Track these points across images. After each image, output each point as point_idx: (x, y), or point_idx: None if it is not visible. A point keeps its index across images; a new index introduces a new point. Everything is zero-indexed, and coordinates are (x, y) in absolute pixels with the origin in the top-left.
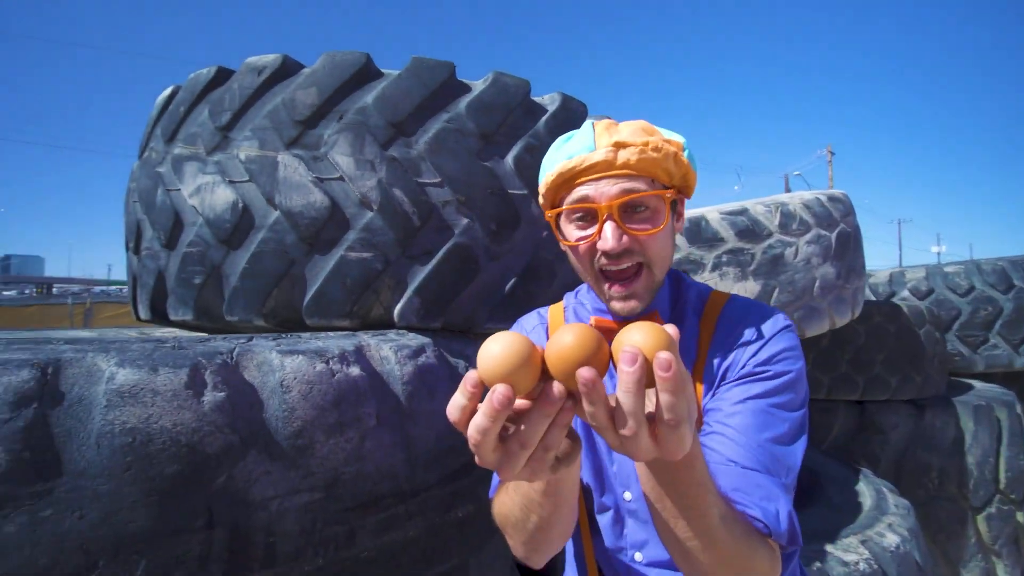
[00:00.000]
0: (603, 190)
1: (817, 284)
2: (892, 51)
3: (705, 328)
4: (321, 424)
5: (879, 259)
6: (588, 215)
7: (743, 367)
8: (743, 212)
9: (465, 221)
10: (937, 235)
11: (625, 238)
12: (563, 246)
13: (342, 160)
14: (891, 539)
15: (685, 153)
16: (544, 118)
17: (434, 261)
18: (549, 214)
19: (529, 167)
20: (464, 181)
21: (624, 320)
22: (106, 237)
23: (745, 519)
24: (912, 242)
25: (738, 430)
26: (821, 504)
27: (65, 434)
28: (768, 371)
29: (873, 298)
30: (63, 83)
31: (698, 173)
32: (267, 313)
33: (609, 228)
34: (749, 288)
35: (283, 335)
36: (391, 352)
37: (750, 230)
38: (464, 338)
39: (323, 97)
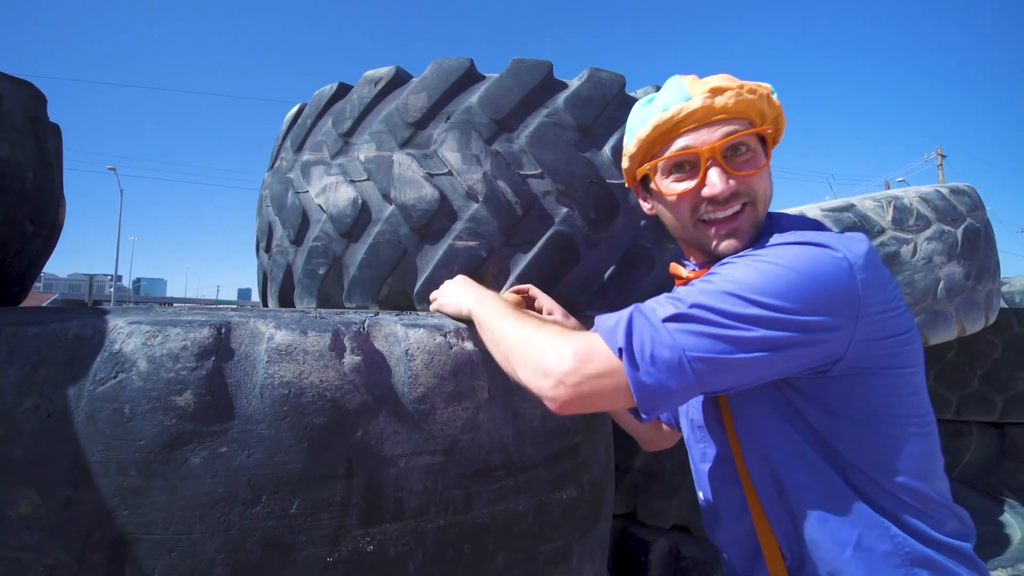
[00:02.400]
0: (703, 137)
1: (941, 285)
2: (1010, 40)
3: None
4: (441, 392)
5: (1008, 272)
6: (688, 165)
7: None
8: (849, 208)
9: (565, 210)
10: None
11: (732, 181)
12: (655, 206)
13: (450, 156)
14: None
15: (775, 95)
16: None
17: (535, 249)
18: (642, 169)
19: None
20: (564, 171)
21: (695, 267)
22: (216, 262)
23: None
24: None
25: None
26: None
27: (236, 384)
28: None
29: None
30: (179, 124)
31: (785, 183)
32: (382, 299)
33: (715, 173)
34: None
35: (403, 312)
36: None
37: (858, 227)
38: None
39: (432, 100)
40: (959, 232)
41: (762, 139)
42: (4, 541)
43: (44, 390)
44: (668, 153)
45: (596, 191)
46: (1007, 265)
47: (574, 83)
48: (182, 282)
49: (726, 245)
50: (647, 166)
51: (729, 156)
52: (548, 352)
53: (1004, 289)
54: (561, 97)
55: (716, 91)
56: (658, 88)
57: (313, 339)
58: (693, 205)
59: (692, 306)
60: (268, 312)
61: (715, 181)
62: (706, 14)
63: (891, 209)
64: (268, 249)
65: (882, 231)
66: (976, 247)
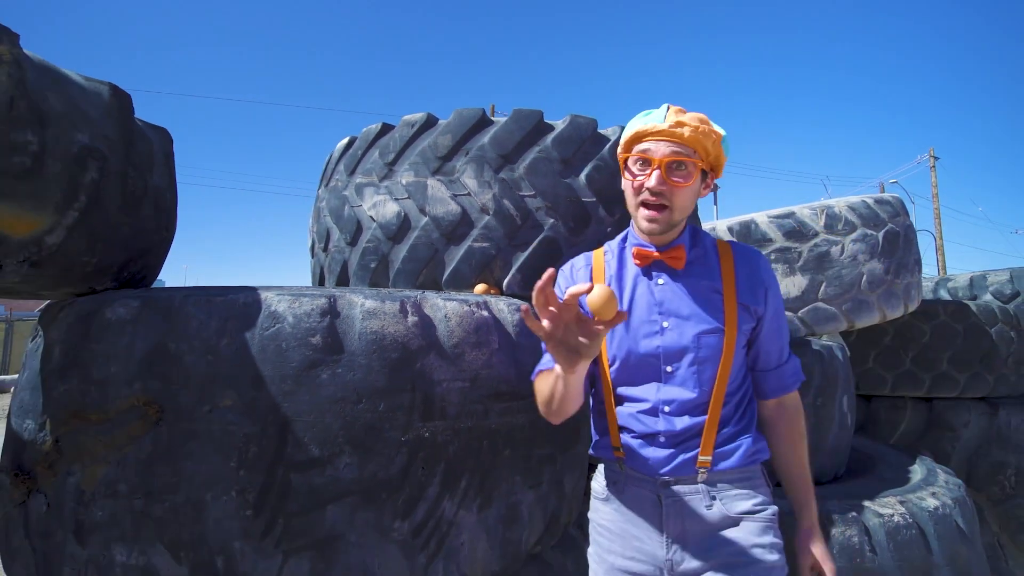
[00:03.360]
0: (660, 148)
1: (864, 279)
2: (1003, 42)
3: (724, 255)
4: (467, 341)
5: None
6: (646, 163)
7: (773, 302)
8: (790, 215)
9: (551, 221)
10: None
11: (664, 185)
12: (623, 184)
13: (469, 182)
14: (931, 502)
15: (724, 144)
16: (608, 145)
17: (530, 249)
18: (621, 156)
19: (597, 182)
20: (550, 193)
21: (647, 246)
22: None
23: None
24: None
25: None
26: (870, 478)
27: (343, 332)
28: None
29: (945, 297)
30: (186, 126)
31: (781, 183)
32: (418, 286)
33: (655, 174)
34: (797, 282)
35: (440, 292)
36: (504, 306)
37: (797, 231)
38: None
39: (455, 140)
40: (880, 235)
41: (705, 171)
42: (219, 419)
43: (231, 333)
44: (636, 150)
45: (574, 207)
46: (999, 264)
47: (558, 126)
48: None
49: (647, 226)
50: (626, 154)
51: (671, 168)
52: None
53: (949, 285)
54: (549, 137)
55: (679, 124)
56: (622, 128)
57: (389, 305)
58: (639, 191)
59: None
60: (357, 289)
61: (653, 179)
62: (705, 21)
63: (824, 216)
64: (326, 249)
65: (816, 234)
66: (896, 247)
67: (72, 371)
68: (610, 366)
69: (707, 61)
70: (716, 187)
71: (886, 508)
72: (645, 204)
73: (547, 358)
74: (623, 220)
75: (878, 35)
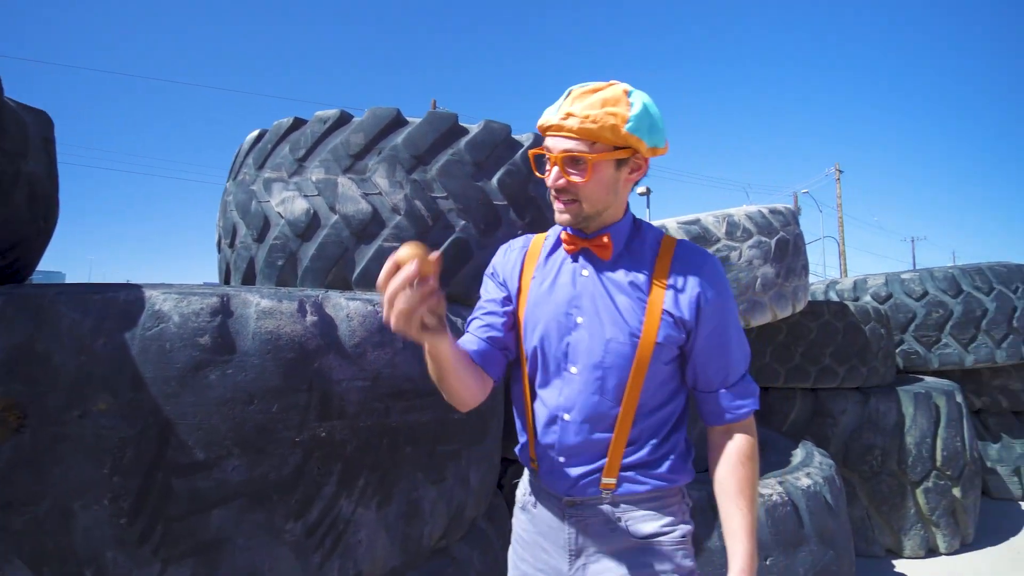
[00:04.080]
0: (556, 144)
1: (758, 282)
2: (901, 68)
3: (663, 256)
4: (370, 341)
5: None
6: (549, 159)
7: (716, 313)
8: (696, 222)
9: (463, 222)
10: (952, 253)
11: (562, 180)
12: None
13: (380, 181)
14: (805, 481)
15: (629, 126)
16: (520, 151)
17: (441, 249)
18: (532, 152)
19: (509, 186)
20: (462, 195)
21: (578, 234)
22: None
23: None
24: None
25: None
26: (766, 472)
27: (236, 331)
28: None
29: (834, 298)
30: (74, 102)
31: (707, 189)
32: (327, 285)
33: (554, 171)
34: None
35: (346, 291)
36: None
37: (701, 237)
38: (462, 304)
39: (368, 138)
40: (773, 242)
41: (626, 159)
42: (91, 423)
43: (108, 333)
44: (542, 146)
45: (485, 210)
46: (892, 268)
47: (472, 130)
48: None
49: (559, 218)
50: (533, 151)
51: (569, 163)
52: None
53: (837, 287)
54: (463, 141)
55: (568, 115)
56: (537, 137)
57: (286, 305)
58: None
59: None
60: (253, 288)
61: (551, 176)
62: (639, 29)
63: (725, 224)
64: (232, 245)
65: (718, 240)
66: (786, 253)
67: None
68: (527, 359)
69: (642, 67)
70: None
71: (766, 489)
72: (556, 198)
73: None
74: (533, 223)
75: (794, 56)
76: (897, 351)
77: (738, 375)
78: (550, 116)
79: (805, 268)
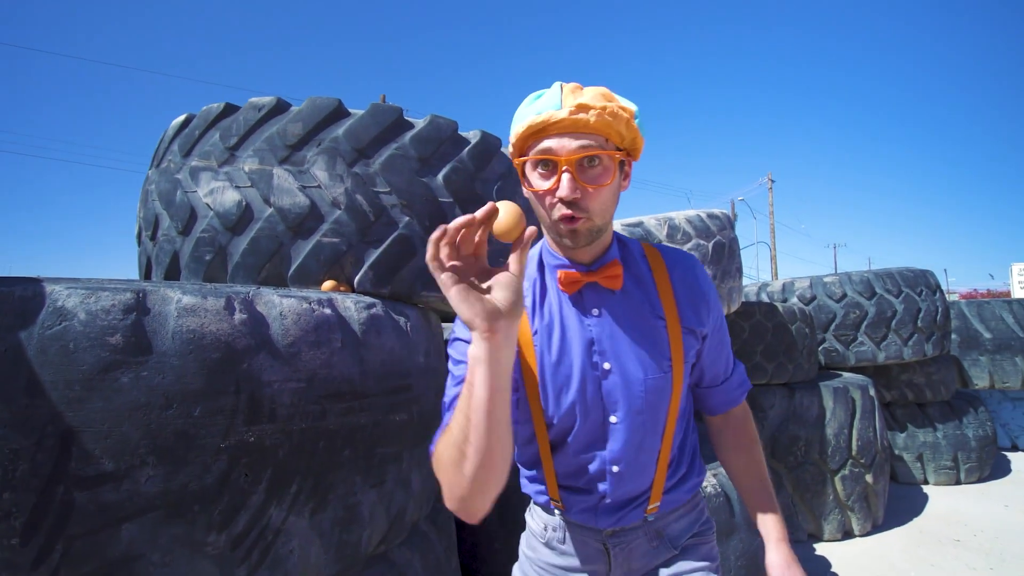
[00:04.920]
0: (565, 144)
1: None
2: (827, 85)
3: (657, 268)
4: (305, 340)
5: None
6: (550, 165)
7: (716, 316)
8: (639, 224)
9: (407, 219)
10: (868, 260)
11: (579, 191)
12: (527, 193)
13: (320, 174)
14: None
15: (636, 120)
16: (467, 148)
17: (383, 246)
18: (517, 162)
19: (455, 183)
20: (406, 191)
21: (586, 268)
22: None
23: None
24: (847, 265)
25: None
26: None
27: (153, 330)
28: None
29: (765, 300)
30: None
31: (653, 194)
32: (261, 281)
33: (566, 179)
34: None
35: (280, 288)
36: (352, 303)
37: (643, 239)
38: (405, 303)
39: (306, 129)
40: (710, 245)
41: (622, 160)
42: None
43: (1, 332)
44: (535, 152)
45: (430, 206)
46: (818, 272)
47: (418, 124)
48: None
49: (570, 243)
50: (520, 160)
51: (584, 167)
52: None
53: (768, 289)
54: (408, 135)
55: (582, 107)
56: (484, 134)
57: (211, 302)
58: (550, 202)
59: None
60: (174, 283)
61: (565, 186)
62: (597, 32)
63: (666, 227)
64: (154, 238)
65: (660, 242)
66: (722, 256)
67: None
68: (548, 419)
69: (585, 72)
70: None
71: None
72: (562, 218)
73: (448, 417)
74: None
75: (735, 69)
76: (820, 349)
77: (733, 362)
78: (550, 110)
79: (739, 270)
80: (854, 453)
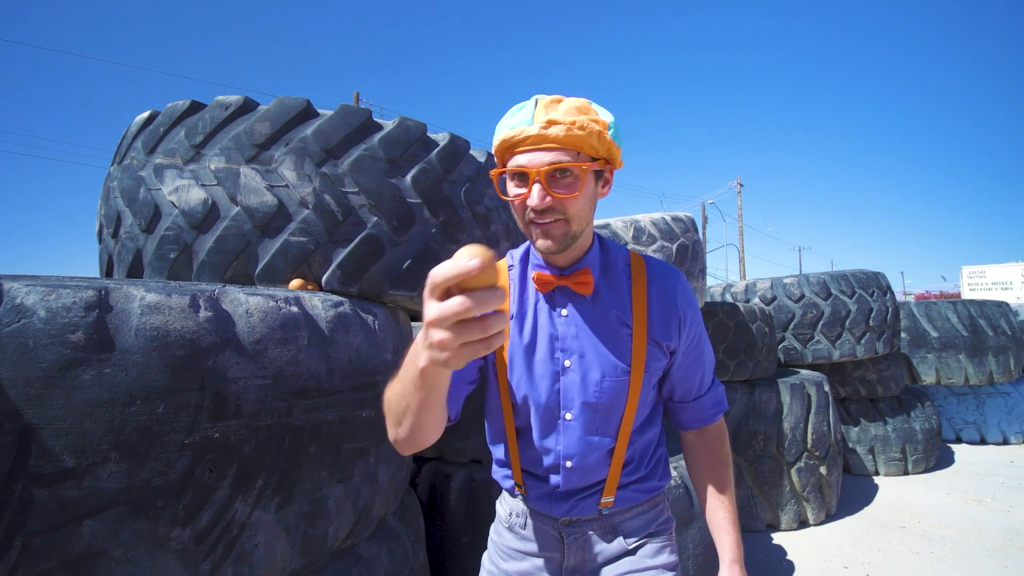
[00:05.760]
0: (535, 159)
1: None
2: (795, 92)
3: (637, 278)
4: (272, 338)
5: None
6: (525, 176)
7: (691, 329)
8: (607, 227)
9: (375, 219)
10: (831, 261)
11: (548, 198)
12: (504, 199)
13: (288, 173)
14: None
15: (610, 132)
16: (436, 150)
17: (351, 245)
18: (493, 172)
19: (423, 184)
20: (375, 191)
21: (559, 272)
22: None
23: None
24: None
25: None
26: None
27: (115, 328)
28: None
29: (729, 300)
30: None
31: (628, 195)
32: (227, 280)
33: (536, 189)
34: None
35: (247, 286)
36: (319, 301)
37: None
38: (373, 301)
39: (275, 128)
40: (674, 247)
41: (599, 169)
42: None
43: None
44: (510, 165)
45: (399, 206)
46: (782, 274)
47: (387, 126)
48: None
49: (541, 244)
50: (497, 172)
51: (555, 178)
52: None
53: (732, 290)
54: (376, 136)
55: (551, 123)
56: (453, 136)
57: (176, 299)
58: (523, 209)
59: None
60: (137, 281)
61: (534, 196)
62: (576, 33)
63: (632, 229)
64: (116, 235)
65: (626, 244)
66: (685, 257)
67: None
68: (513, 404)
69: (563, 77)
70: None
71: None
72: (533, 223)
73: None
74: (447, 223)
75: (706, 76)
76: (780, 347)
77: (710, 382)
78: (522, 126)
79: (703, 271)
80: (809, 446)
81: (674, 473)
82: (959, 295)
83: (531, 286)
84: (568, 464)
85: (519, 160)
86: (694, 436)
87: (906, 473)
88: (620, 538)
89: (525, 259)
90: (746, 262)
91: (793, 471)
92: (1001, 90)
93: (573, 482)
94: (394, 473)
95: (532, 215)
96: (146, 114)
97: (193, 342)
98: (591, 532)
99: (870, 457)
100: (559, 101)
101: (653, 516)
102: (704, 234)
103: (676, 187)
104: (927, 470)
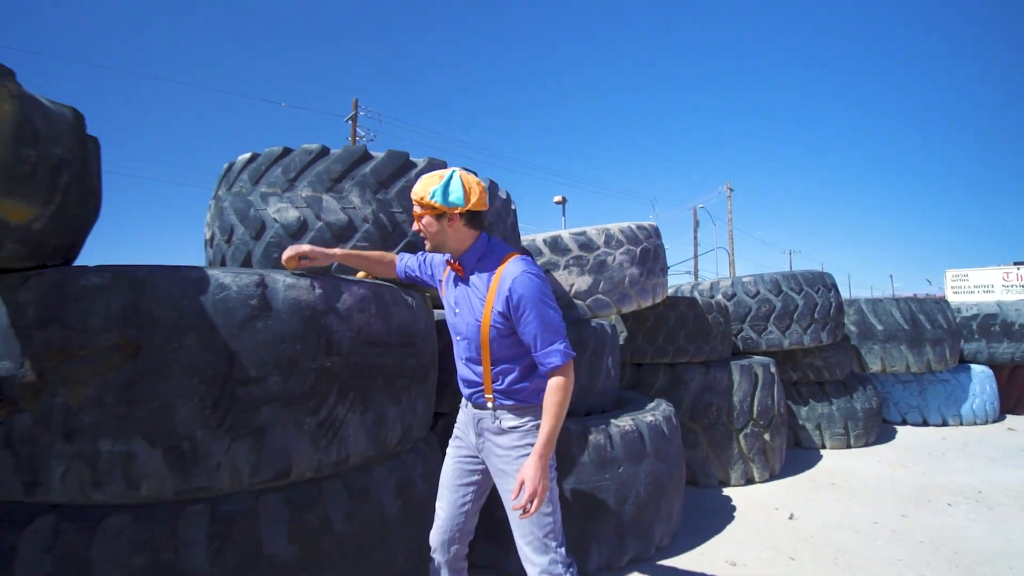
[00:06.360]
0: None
1: (627, 280)
2: (785, 98)
3: (497, 272)
4: (355, 308)
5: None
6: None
7: (518, 308)
8: (583, 233)
9: (412, 230)
10: (821, 265)
11: (417, 228)
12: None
13: (354, 199)
14: (649, 418)
15: (431, 197)
16: None
17: (397, 248)
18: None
19: None
20: (410, 211)
21: (451, 259)
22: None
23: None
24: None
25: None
26: (624, 410)
27: (271, 298)
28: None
29: (696, 296)
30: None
31: (620, 200)
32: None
33: (415, 226)
34: (585, 280)
35: (337, 275)
36: (379, 286)
37: (586, 245)
38: (411, 289)
39: (344, 168)
40: (638, 250)
41: (442, 214)
42: (185, 352)
43: (190, 297)
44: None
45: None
46: (762, 271)
47: (420, 163)
48: None
49: (428, 248)
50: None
51: (417, 217)
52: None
53: (699, 287)
54: (413, 171)
55: (414, 194)
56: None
57: (303, 281)
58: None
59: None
60: (272, 270)
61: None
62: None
63: (603, 235)
64: (229, 241)
65: (598, 248)
66: (648, 258)
67: (52, 323)
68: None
69: (561, 82)
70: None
71: (623, 423)
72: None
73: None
74: None
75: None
76: (738, 337)
77: (544, 343)
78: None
79: (663, 270)
80: (755, 416)
81: (631, 422)
82: (943, 297)
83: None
84: (460, 365)
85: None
86: (548, 375)
87: (848, 446)
88: (499, 423)
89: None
90: (736, 265)
91: (741, 436)
92: (993, 96)
93: (467, 376)
94: (425, 408)
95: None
96: (247, 155)
97: (313, 308)
98: (485, 419)
99: (817, 432)
100: (426, 178)
101: (520, 415)
102: (695, 237)
103: (667, 192)
104: (867, 444)
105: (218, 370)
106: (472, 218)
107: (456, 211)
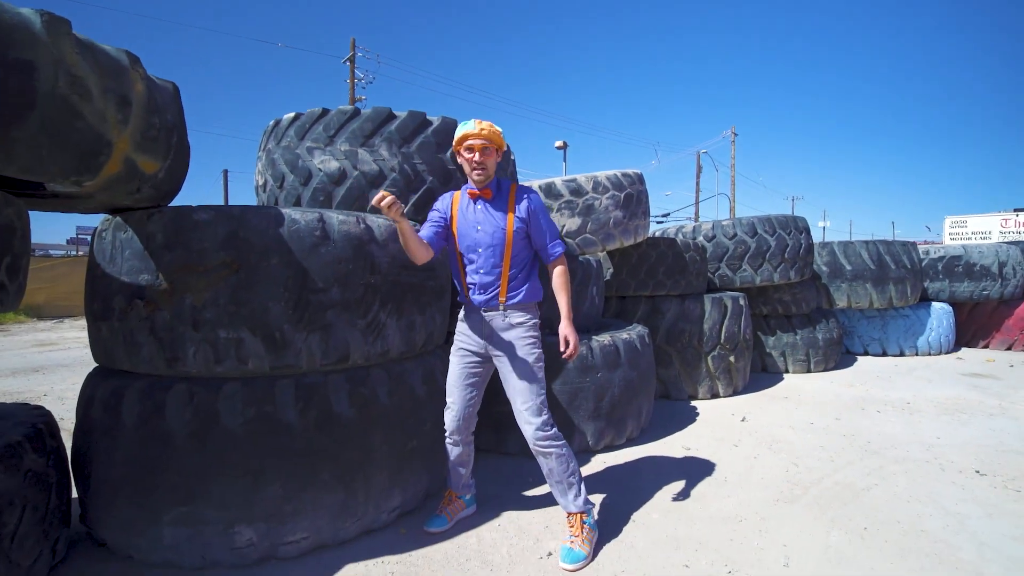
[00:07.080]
0: (476, 142)
1: (612, 221)
2: (793, 44)
3: (511, 194)
4: (390, 238)
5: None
6: (471, 149)
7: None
8: (573, 180)
9: (431, 179)
10: (823, 211)
11: (479, 157)
12: (460, 160)
13: (384, 152)
14: (624, 335)
15: (501, 136)
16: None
17: (418, 194)
18: (456, 147)
19: (454, 158)
20: (429, 163)
21: (478, 190)
22: None
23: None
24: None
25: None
26: (606, 331)
27: (329, 230)
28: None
29: (680, 237)
30: None
31: (624, 143)
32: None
33: (477, 154)
34: (575, 222)
35: (373, 214)
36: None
37: (576, 190)
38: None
39: (374, 126)
40: (622, 195)
41: (497, 149)
42: (273, 269)
43: (274, 228)
44: (464, 145)
45: (443, 172)
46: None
47: (435, 122)
48: None
49: (476, 178)
50: (459, 147)
51: (484, 151)
52: None
53: (684, 230)
54: (430, 128)
55: (480, 125)
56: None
57: (351, 218)
58: (469, 163)
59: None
60: (330, 211)
61: (477, 155)
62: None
63: (592, 182)
64: (281, 187)
65: (587, 193)
66: (631, 203)
67: (176, 247)
68: (460, 250)
69: (566, 28)
70: (512, 155)
71: (603, 338)
72: (473, 168)
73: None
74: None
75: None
76: (716, 274)
77: (552, 237)
78: (468, 130)
79: (645, 213)
80: (722, 341)
81: (609, 338)
82: (941, 244)
83: (465, 197)
84: (481, 271)
85: (469, 142)
86: (550, 267)
87: (808, 371)
88: (508, 320)
89: (465, 188)
90: (738, 211)
91: (709, 358)
92: (998, 41)
93: (484, 282)
94: (442, 321)
95: (474, 165)
96: (291, 115)
97: (359, 238)
98: (496, 318)
99: (782, 359)
100: (482, 122)
101: (525, 312)
102: (697, 183)
103: (670, 136)
104: (826, 369)
105: (296, 282)
106: (503, 154)
107: (504, 148)
